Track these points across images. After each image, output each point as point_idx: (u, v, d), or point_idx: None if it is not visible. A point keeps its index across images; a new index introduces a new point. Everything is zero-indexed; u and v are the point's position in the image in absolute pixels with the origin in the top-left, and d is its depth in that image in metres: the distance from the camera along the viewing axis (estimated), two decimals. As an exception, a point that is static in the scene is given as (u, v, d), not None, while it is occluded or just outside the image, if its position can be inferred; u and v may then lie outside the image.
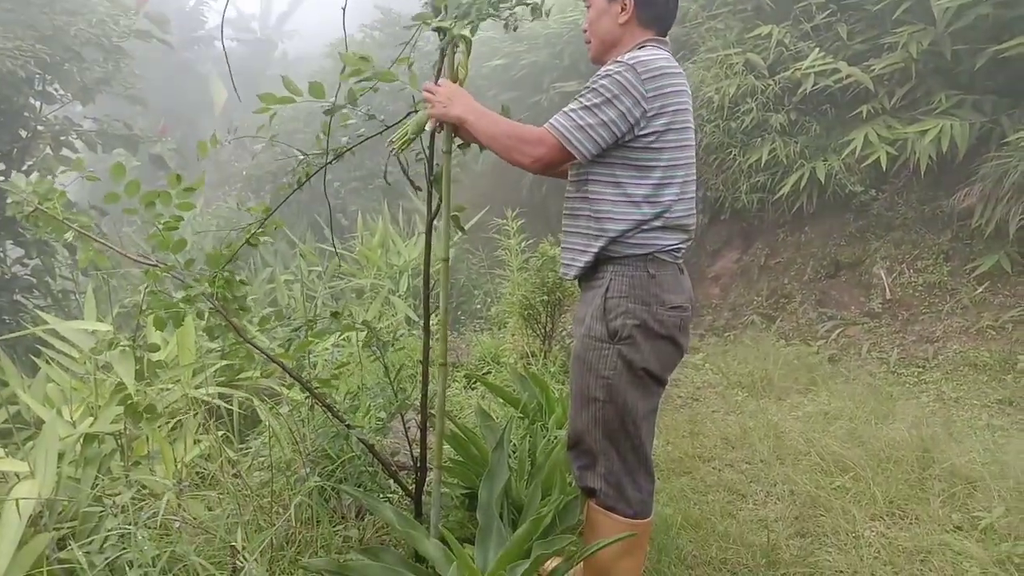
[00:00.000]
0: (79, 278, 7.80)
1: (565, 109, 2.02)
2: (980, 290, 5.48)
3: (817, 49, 6.63)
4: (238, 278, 2.48)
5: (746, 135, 7.06)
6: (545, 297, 4.24)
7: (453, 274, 6.99)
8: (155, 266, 2.37)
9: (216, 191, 13.32)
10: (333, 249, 4.21)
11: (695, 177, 2.18)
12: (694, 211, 2.16)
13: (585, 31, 2.27)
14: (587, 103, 1.98)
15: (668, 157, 2.03)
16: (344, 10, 2.33)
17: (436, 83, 2.12)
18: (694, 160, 2.15)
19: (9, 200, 2.56)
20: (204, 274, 2.33)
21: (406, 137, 2.12)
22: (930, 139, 5.79)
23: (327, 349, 4.28)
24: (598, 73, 2.02)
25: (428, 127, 2.11)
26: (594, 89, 1.99)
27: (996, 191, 5.50)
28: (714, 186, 7.40)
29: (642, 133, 1.99)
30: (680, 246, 2.12)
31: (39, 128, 6.89)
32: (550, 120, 2.02)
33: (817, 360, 5.45)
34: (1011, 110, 5.73)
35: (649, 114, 1.97)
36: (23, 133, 6.90)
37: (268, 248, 8.90)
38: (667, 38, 2.19)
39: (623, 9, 2.13)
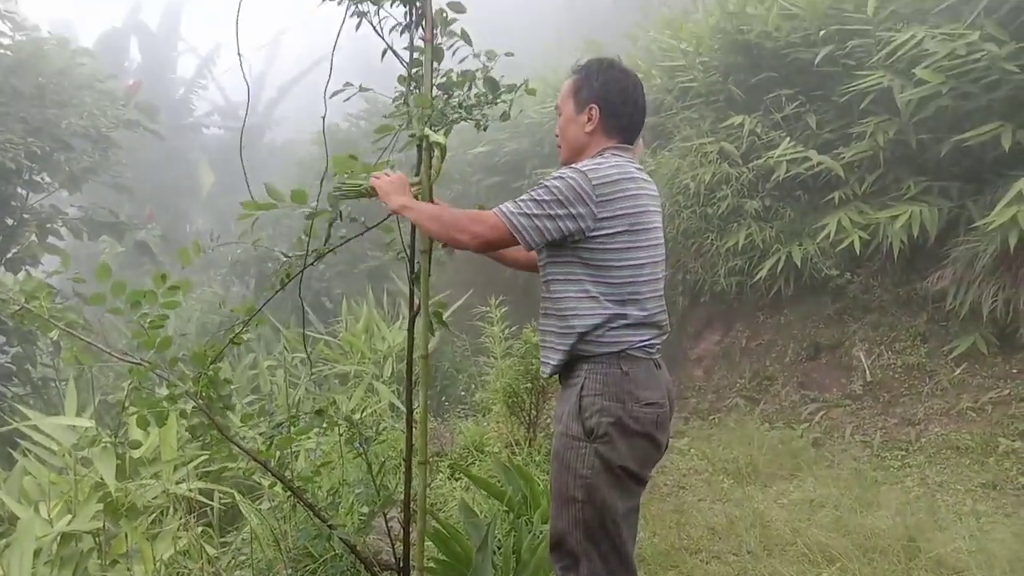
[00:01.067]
0: (60, 365, 7.74)
1: (515, 199, 2.10)
2: (958, 372, 5.55)
3: (788, 138, 6.86)
4: (222, 376, 2.50)
5: (722, 220, 7.23)
6: (529, 384, 4.26)
7: (436, 359, 7.00)
8: (139, 364, 2.38)
9: (201, 275, 13.36)
10: (315, 335, 4.23)
11: (663, 274, 2.25)
12: (664, 307, 2.22)
13: (557, 135, 2.37)
14: (537, 198, 2.07)
15: (629, 257, 2.10)
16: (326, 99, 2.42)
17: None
18: (661, 258, 2.22)
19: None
20: (188, 374, 2.35)
21: (353, 187, 2.20)
22: (901, 224, 5.96)
23: (310, 438, 4.25)
24: (553, 174, 2.11)
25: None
26: (546, 187, 2.08)
27: (968, 274, 5.63)
28: (693, 269, 7.53)
29: (594, 235, 2.07)
30: (653, 341, 2.16)
31: (25, 216, 6.95)
32: (499, 206, 2.09)
33: (801, 444, 5.46)
34: (976, 196, 5.93)
35: (600, 217, 2.05)
36: (9, 221, 6.96)
37: (252, 332, 8.90)
38: (632, 144, 2.29)
39: (589, 119, 2.24)
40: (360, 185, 2.19)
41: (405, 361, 2.42)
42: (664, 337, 2.23)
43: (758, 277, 6.93)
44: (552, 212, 2.04)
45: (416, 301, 2.24)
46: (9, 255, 6.92)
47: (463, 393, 6.96)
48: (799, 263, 6.65)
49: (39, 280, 2.66)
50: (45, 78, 6.65)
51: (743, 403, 6.70)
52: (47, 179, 7.26)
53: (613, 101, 2.23)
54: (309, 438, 4.30)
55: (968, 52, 5.43)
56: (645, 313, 2.13)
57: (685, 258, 7.62)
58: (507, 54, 2.54)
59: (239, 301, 10.76)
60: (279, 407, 6.14)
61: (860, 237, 6.26)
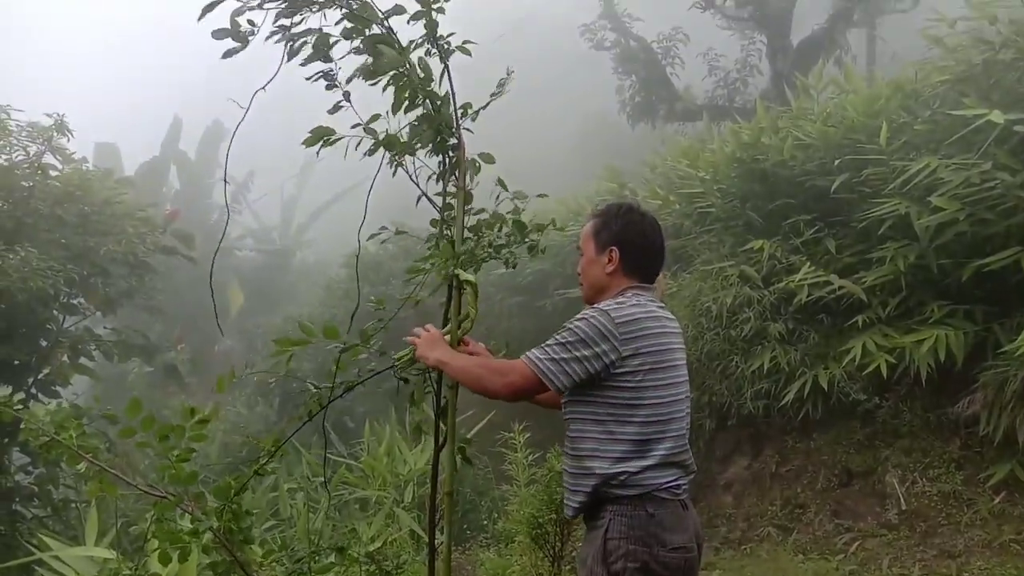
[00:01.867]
0: (82, 487, 7.71)
1: (542, 344, 2.15)
2: (997, 500, 5.37)
3: (808, 263, 6.93)
4: (244, 507, 2.50)
5: (746, 343, 7.22)
6: (554, 515, 4.17)
7: (458, 483, 6.89)
8: (164, 497, 2.39)
9: (226, 394, 13.43)
10: (336, 459, 4.21)
11: (687, 412, 2.26)
12: (687, 447, 2.21)
13: (579, 273, 2.46)
14: (562, 340, 2.14)
15: (652, 396, 2.13)
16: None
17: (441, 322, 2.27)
18: (686, 395, 2.24)
19: (23, 426, 2.64)
20: (211, 507, 2.35)
21: (406, 358, 2.28)
22: (927, 348, 5.92)
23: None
24: (577, 315, 2.17)
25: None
26: (570, 329, 2.15)
27: (999, 399, 5.54)
28: (719, 392, 7.45)
29: (618, 372, 2.11)
30: (679, 482, 2.15)
31: (60, 339, 7.13)
32: (526, 353, 2.15)
33: (837, 578, 5.24)
34: (1002, 319, 5.90)
35: (624, 355, 2.09)
36: (43, 343, 7.13)
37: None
38: (652, 284, 2.37)
39: (610, 260, 2.33)
40: (409, 355, 2.30)
41: (428, 490, 2.42)
42: (691, 477, 2.22)
43: (785, 400, 6.85)
44: (578, 353, 2.09)
45: (442, 435, 2.25)
46: (40, 376, 7.05)
47: (485, 521, 6.81)
48: (826, 387, 6.58)
49: (68, 410, 2.71)
50: (89, 207, 6.98)
51: (775, 532, 6.48)
52: (83, 302, 7.49)
53: (632, 243, 2.33)
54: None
55: (982, 180, 5.54)
56: (670, 453, 2.13)
57: (710, 380, 7.56)
58: (540, 195, 2.67)
59: (263, 421, 10.74)
60: (299, 534, 6.04)
61: (887, 361, 6.21)
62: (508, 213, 2.47)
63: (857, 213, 6.63)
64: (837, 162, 6.89)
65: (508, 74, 2.35)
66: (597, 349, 2.09)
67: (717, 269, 7.64)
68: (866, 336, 6.50)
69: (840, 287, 6.63)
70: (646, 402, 2.13)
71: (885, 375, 6.22)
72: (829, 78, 8.08)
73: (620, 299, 2.23)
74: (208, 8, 1.96)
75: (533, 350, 2.16)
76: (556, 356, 2.11)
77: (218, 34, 2.18)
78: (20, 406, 2.81)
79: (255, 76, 2.29)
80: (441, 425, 2.24)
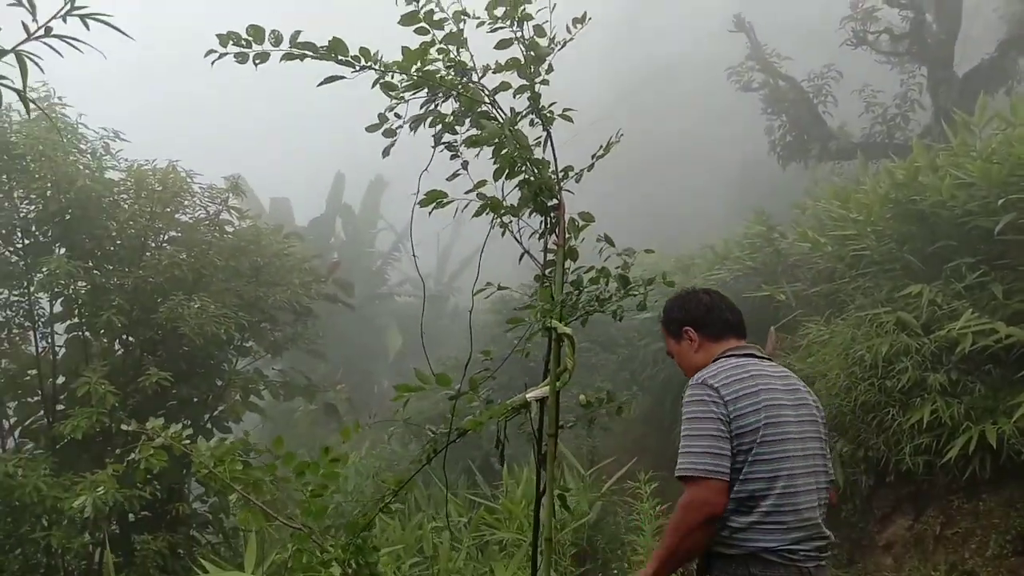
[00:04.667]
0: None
1: (679, 451, 2.21)
2: None
3: (971, 309, 6.47)
4: (372, 544, 2.69)
5: (904, 394, 6.80)
6: (683, 570, 4.11)
7: (596, 532, 6.89)
8: (299, 529, 2.63)
9: (382, 432, 14.10)
10: (477, 500, 4.35)
11: (808, 471, 2.20)
12: (810, 508, 2.15)
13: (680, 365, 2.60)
14: (688, 432, 2.21)
15: (764, 452, 2.11)
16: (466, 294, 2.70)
17: (544, 375, 2.39)
18: (801, 453, 2.19)
19: (193, 457, 2.99)
20: (339, 540, 2.56)
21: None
22: (1112, 404, 5.36)
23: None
24: (683, 403, 2.26)
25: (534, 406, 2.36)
26: (685, 420, 2.23)
27: None
28: (875, 446, 7.04)
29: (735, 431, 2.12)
30: (798, 548, 2.08)
31: (233, 379, 7.83)
32: (676, 469, 2.20)
33: (1005, 656, 4.78)
34: None
35: (733, 415, 2.10)
36: (219, 383, 7.86)
37: (423, 492, 9.19)
38: (743, 337, 2.44)
39: (691, 340, 2.48)
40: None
41: (564, 534, 2.52)
42: (821, 544, 2.15)
43: (948, 457, 6.37)
44: (705, 431, 2.17)
45: (543, 483, 2.35)
46: (215, 412, 7.77)
47: (616, 573, 6.76)
48: (994, 443, 6.07)
49: (227, 446, 3.03)
50: (261, 259, 7.69)
51: (939, 600, 6.01)
52: (254, 346, 8.20)
53: (699, 313, 2.50)
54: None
55: None
56: (775, 510, 2.10)
57: (866, 434, 7.16)
58: (647, 251, 2.75)
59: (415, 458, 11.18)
60: (440, 572, 6.26)
61: (1063, 418, 5.67)
62: (617, 268, 2.56)
63: (1026, 256, 6.15)
64: (1001, 201, 6.43)
65: (616, 137, 2.46)
66: (713, 415, 2.15)
67: (872, 315, 7.28)
68: (1040, 389, 5.96)
69: (1008, 335, 6.14)
70: (755, 458, 2.12)
71: (1062, 433, 5.67)
72: (994, 112, 7.57)
73: (715, 366, 2.32)
74: (327, 80, 2.24)
75: (679, 462, 2.20)
76: (698, 449, 2.16)
77: (371, 128, 2.48)
78: (188, 440, 3.17)
79: (408, 134, 2.57)
80: (543, 472, 2.34)
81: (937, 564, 6.41)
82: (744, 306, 10.10)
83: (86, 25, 2.63)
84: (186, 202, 7.32)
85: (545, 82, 2.31)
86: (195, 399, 7.50)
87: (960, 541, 6.43)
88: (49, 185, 6.78)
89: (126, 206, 7.15)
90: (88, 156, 7.19)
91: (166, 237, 7.46)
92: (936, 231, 7.24)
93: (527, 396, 2.34)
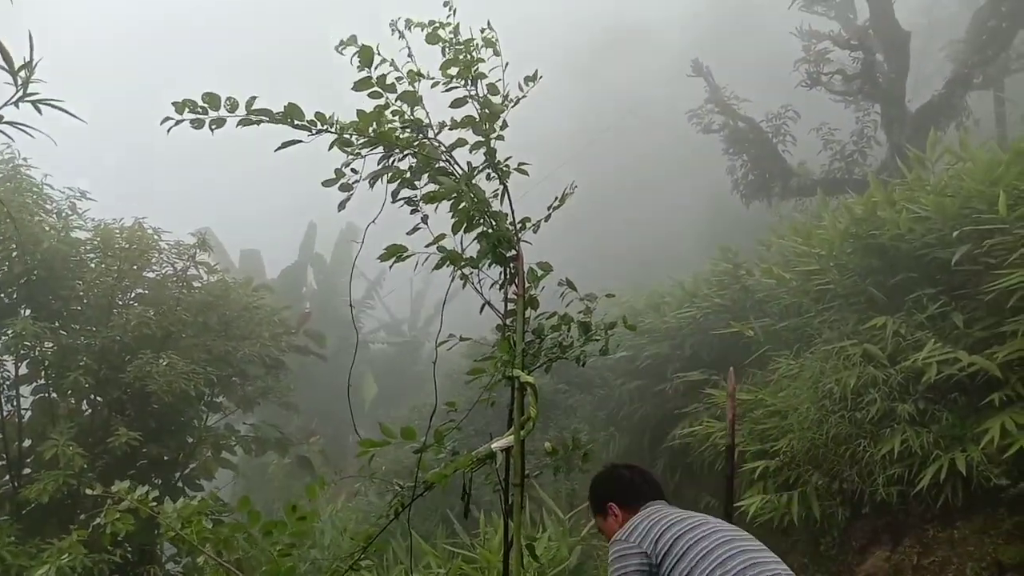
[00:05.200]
0: None
1: None
2: None
3: (934, 339, 6.59)
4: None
5: (874, 425, 6.87)
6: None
7: (577, 576, 6.84)
8: (268, 595, 2.60)
9: (359, 483, 13.91)
10: (454, 549, 4.32)
11: (744, 549, 2.30)
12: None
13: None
14: None
15: (691, 556, 2.28)
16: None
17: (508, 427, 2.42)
18: (734, 540, 2.33)
19: (160, 519, 2.95)
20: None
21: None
22: (1074, 428, 5.46)
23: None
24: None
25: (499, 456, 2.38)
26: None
27: None
28: (849, 478, 7.08)
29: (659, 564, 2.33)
30: None
31: (203, 435, 7.74)
32: None
33: None
34: None
35: (652, 555, 2.33)
36: (189, 440, 7.75)
37: (400, 544, 9.06)
38: (661, 499, 2.64)
39: (615, 515, 2.63)
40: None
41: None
42: None
43: (920, 486, 6.42)
44: None
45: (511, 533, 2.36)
46: (187, 471, 7.65)
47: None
48: (964, 471, 6.13)
49: (195, 505, 3.00)
50: (230, 313, 7.65)
51: (919, 631, 6.00)
52: (225, 401, 8.12)
53: (620, 489, 2.68)
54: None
55: (1116, 245, 5.19)
56: None
57: (839, 466, 7.20)
58: (608, 295, 2.81)
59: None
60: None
61: (1029, 442, 5.76)
62: (580, 313, 2.60)
63: (983, 285, 6.29)
64: (956, 233, 6.60)
65: (570, 188, 2.52)
66: (635, 564, 2.33)
67: (839, 348, 7.38)
68: (1005, 415, 6.05)
69: (971, 364, 6.25)
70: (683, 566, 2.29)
71: (1029, 458, 5.76)
72: (944, 147, 7.82)
73: (627, 525, 2.49)
74: (285, 145, 2.29)
75: None
76: None
77: (327, 183, 2.53)
78: (155, 502, 3.13)
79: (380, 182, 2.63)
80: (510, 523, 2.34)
81: (916, 595, 6.43)
82: (714, 343, 10.17)
83: (38, 110, 2.69)
84: (153, 259, 7.31)
85: (500, 137, 2.37)
86: (166, 457, 7.38)
87: (937, 570, 6.45)
88: (14, 247, 6.74)
89: (93, 265, 7.12)
90: (54, 216, 7.16)
91: (133, 295, 7.42)
92: (896, 264, 7.39)
93: (492, 447, 2.36)
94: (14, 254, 6.78)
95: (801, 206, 13.09)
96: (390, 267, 2.49)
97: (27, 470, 6.84)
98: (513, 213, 2.45)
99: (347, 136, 2.42)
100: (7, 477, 6.88)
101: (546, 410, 9.74)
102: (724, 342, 9.35)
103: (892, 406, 6.78)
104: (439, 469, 2.33)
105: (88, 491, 3.15)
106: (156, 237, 7.16)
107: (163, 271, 7.40)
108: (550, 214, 2.45)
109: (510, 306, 2.48)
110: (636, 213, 19.27)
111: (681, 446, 9.49)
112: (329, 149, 2.31)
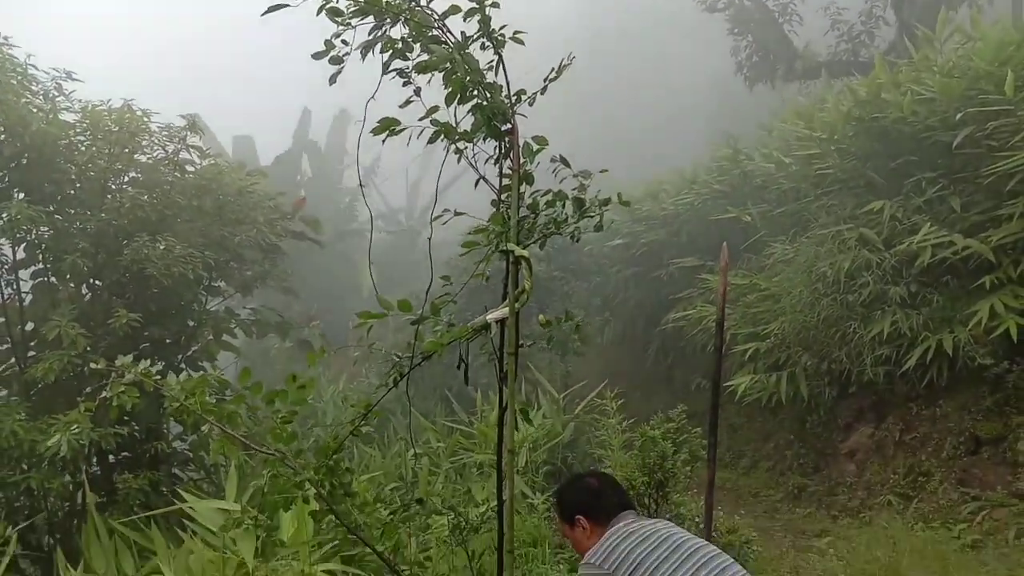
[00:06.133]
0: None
1: None
2: None
3: (929, 223, 6.60)
4: (344, 466, 2.78)
5: (865, 308, 6.99)
6: (647, 478, 4.29)
7: (570, 450, 7.11)
8: (272, 455, 2.71)
9: (361, 366, 14.22)
10: (453, 426, 4.46)
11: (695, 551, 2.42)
12: None
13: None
14: None
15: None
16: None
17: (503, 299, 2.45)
18: (687, 545, 2.43)
19: (164, 391, 3.03)
20: (313, 464, 2.64)
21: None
22: (1061, 309, 5.56)
23: (443, 526, 4.46)
24: None
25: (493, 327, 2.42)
26: None
27: None
28: (838, 359, 7.25)
29: None
30: None
31: (204, 318, 7.83)
32: None
33: (954, 547, 5.07)
34: None
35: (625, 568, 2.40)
36: (190, 323, 7.84)
37: (401, 421, 9.36)
38: (629, 508, 2.66)
39: (584, 528, 2.63)
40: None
41: (538, 455, 2.63)
42: None
43: (907, 366, 6.60)
44: None
45: (504, 399, 2.43)
46: (189, 353, 7.78)
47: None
48: (951, 352, 6.29)
49: (196, 380, 3.07)
50: (224, 197, 7.59)
51: (896, 500, 6.32)
52: (224, 285, 8.16)
53: (588, 499, 2.66)
54: (442, 526, 4.52)
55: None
56: None
57: (829, 347, 7.37)
58: (602, 171, 2.78)
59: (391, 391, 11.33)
60: (420, 494, 6.43)
61: (1016, 323, 5.88)
62: (573, 190, 2.59)
63: (983, 168, 6.25)
64: (960, 115, 6.50)
65: (567, 60, 2.46)
66: None
67: (835, 233, 7.41)
68: (995, 298, 6.16)
69: (965, 247, 6.30)
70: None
71: (1015, 338, 5.89)
72: (954, 26, 7.58)
73: (597, 545, 2.51)
74: (271, 9, 2.20)
75: None
76: None
77: (317, 56, 2.45)
78: (158, 376, 3.20)
79: (373, 63, 2.54)
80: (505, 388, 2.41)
81: (896, 468, 6.71)
82: (711, 229, 10.16)
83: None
84: (144, 142, 7.15)
85: (495, 4, 2.29)
86: (168, 340, 7.47)
87: (918, 445, 6.72)
88: (2, 129, 6.60)
89: (83, 148, 6.97)
90: (41, 98, 6.97)
91: (126, 178, 7.30)
92: (898, 147, 7.31)
93: (487, 318, 2.40)
94: (2, 136, 6.64)
95: (805, 90, 12.81)
96: (383, 141, 2.46)
97: (31, 352, 6.95)
98: (508, 85, 2.39)
99: (335, 3, 2.34)
100: (12, 360, 7.00)
101: (542, 296, 9.83)
102: (721, 228, 9.36)
103: (884, 289, 6.88)
104: (435, 339, 2.38)
105: (92, 364, 3.22)
106: (145, 119, 7.00)
107: (154, 155, 7.27)
108: (546, 86, 2.40)
109: (505, 181, 2.46)
110: (637, 98, 18.86)
111: (674, 330, 9.67)
112: (318, 14, 2.23)
